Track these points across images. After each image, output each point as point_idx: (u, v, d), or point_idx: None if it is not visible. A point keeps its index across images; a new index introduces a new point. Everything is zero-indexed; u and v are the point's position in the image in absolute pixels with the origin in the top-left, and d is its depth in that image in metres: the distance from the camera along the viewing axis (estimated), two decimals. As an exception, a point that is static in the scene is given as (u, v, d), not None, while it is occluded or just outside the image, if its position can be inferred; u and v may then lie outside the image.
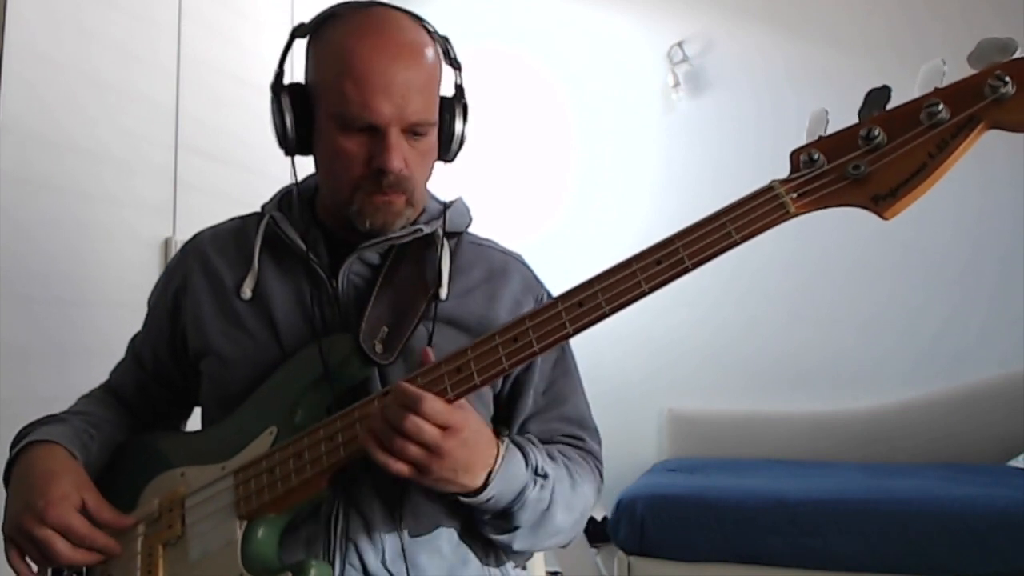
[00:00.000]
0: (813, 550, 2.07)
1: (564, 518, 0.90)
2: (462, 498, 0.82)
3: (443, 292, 0.93)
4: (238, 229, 1.03)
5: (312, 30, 0.93)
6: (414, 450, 0.76)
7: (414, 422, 0.75)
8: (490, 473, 0.81)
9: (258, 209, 1.03)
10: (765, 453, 2.93)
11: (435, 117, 0.91)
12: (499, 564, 0.95)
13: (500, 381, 0.94)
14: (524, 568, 1.02)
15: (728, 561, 2.14)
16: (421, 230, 0.95)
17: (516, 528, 0.86)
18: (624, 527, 2.24)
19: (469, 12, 3.53)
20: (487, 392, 0.94)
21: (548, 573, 2.15)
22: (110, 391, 1.08)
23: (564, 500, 0.89)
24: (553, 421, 0.98)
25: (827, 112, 0.75)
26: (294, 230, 0.95)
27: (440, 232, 0.96)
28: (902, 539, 2.02)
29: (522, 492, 0.84)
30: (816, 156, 0.73)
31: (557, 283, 0.92)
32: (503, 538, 0.88)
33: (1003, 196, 2.85)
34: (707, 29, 3.24)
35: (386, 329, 0.89)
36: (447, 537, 0.91)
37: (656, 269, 0.75)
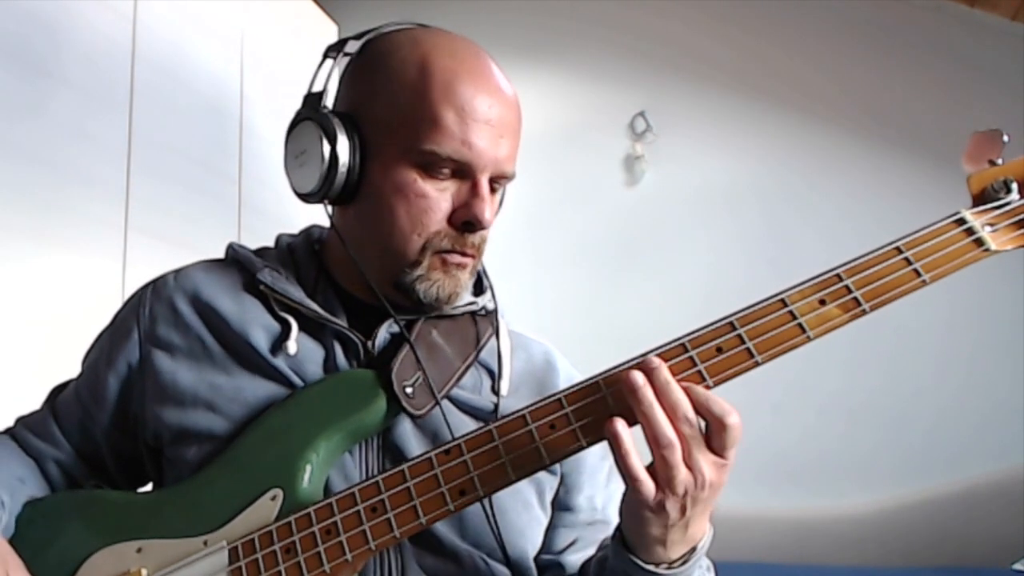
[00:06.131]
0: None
1: None
2: (649, 567, 0.68)
3: (504, 386, 0.81)
4: (231, 278, 0.84)
5: (365, 49, 0.77)
6: (685, 475, 0.64)
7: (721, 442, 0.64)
8: (695, 548, 0.70)
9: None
10: (745, 556, 2.66)
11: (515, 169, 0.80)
12: None
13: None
14: None
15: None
16: (476, 303, 0.84)
17: None
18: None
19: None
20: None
21: None
22: (11, 439, 0.88)
23: None
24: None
25: (1002, 132, 0.65)
26: (300, 289, 0.80)
27: (496, 314, 0.85)
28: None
29: None
30: (1012, 183, 0.63)
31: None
32: None
33: (1004, 278, 2.65)
34: (671, 97, 3.15)
35: (420, 376, 0.74)
36: None
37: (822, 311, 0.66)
